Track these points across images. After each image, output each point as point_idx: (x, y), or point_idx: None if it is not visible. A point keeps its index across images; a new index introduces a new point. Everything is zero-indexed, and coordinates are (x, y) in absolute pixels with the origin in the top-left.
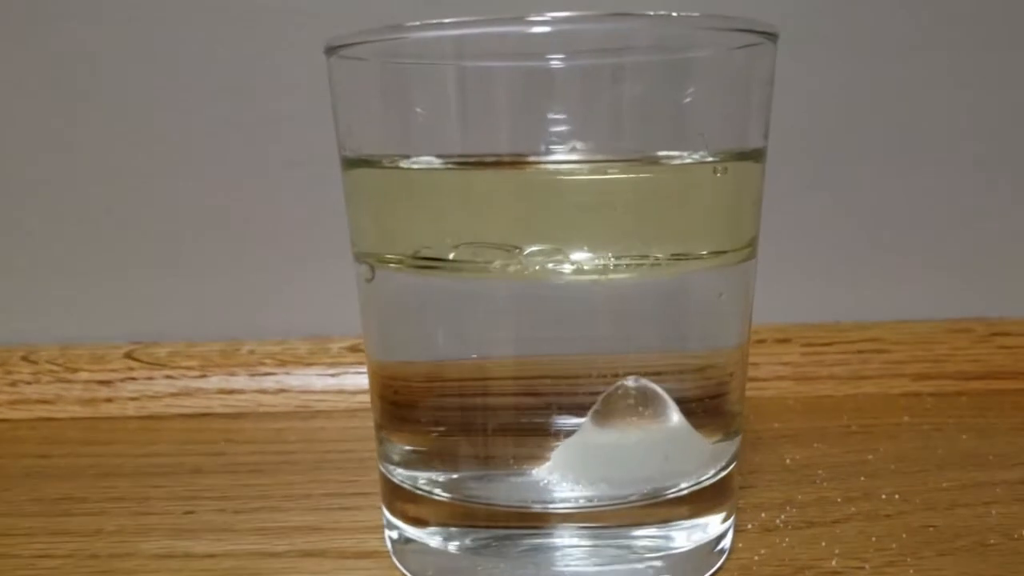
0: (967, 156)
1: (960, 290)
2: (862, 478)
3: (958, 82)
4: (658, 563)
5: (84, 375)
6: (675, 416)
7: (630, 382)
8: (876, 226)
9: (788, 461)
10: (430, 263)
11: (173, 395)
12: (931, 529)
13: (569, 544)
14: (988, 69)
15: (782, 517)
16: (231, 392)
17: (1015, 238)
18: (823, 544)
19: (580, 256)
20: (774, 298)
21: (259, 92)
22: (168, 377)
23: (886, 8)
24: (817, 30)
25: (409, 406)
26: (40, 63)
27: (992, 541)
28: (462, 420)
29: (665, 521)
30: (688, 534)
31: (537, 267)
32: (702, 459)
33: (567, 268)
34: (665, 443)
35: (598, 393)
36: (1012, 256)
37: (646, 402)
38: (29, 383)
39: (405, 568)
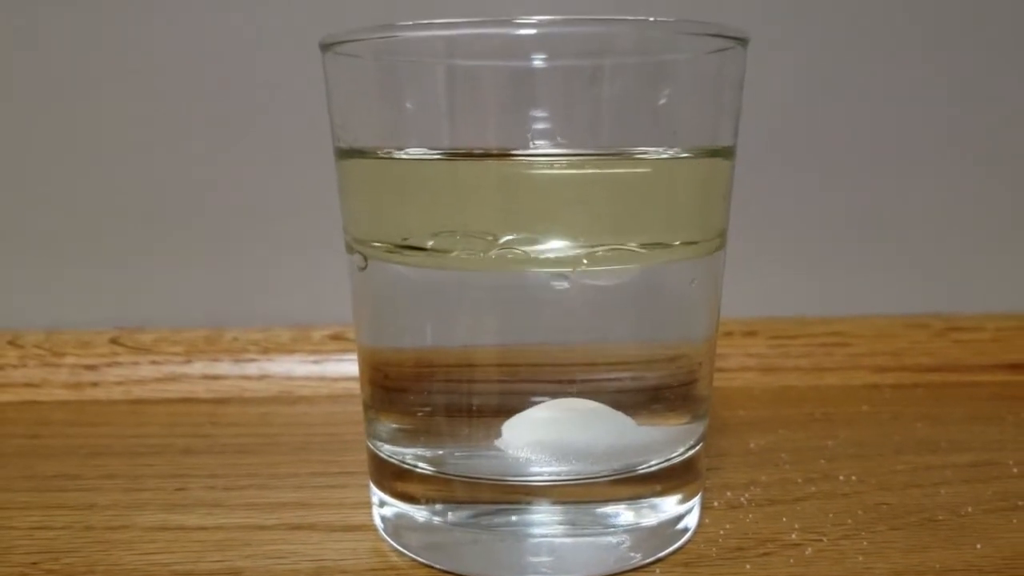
0: (927, 160)
1: (918, 287)
2: (822, 461)
3: (920, 83)
4: (626, 536)
5: (70, 359)
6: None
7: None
8: (839, 226)
9: (752, 446)
10: (413, 252)
11: (158, 380)
12: (884, 506)
13: (544, 517)
14: (949, 69)
15: (746, 496)
16: (215, 378)
17: (971, 237)
18: (784, 520)
19: (554, 245)
20: (742, 293)
21: (245, 82)
22: (153, 362)
23: (855, 10)
24: (791, 33)
25: (398, 389)
26: (21, 47)
27: (940, 517)
28: (446, 403)
29: (635, 497)
30: (656, 510)
31: (510, 256)
32: (633, 441)
33: (540, 253)
34: (597, 422)
35: (572, 381)
36: (968, 254)
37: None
38: (16, 367)
39: (393, 541)
